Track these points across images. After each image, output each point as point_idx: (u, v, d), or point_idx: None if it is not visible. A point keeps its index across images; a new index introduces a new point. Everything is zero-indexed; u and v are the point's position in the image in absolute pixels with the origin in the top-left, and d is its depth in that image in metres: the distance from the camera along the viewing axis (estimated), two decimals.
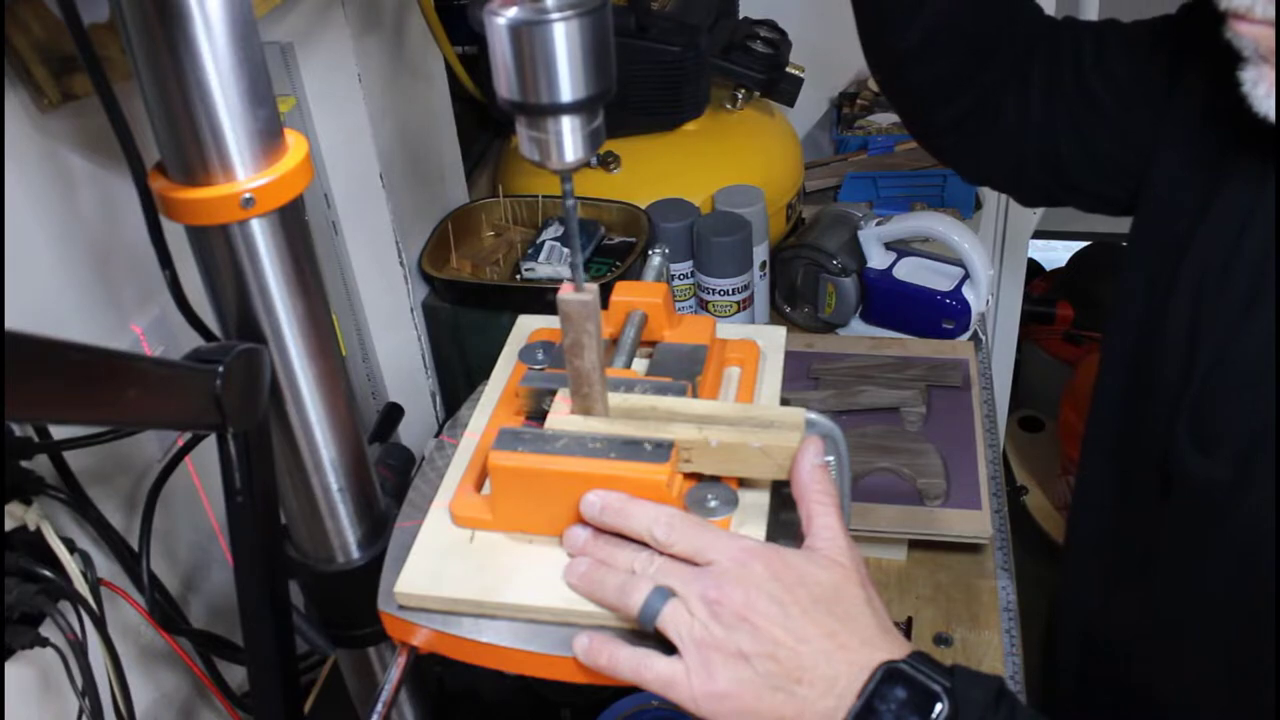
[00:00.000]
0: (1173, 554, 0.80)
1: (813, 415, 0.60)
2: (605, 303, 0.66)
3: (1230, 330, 0.70)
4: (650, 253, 0.76)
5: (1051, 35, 0.85)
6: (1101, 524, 0.90)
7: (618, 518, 0.57)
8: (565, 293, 0.56)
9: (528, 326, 0.75)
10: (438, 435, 0.70)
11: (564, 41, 0.48)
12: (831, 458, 0.61)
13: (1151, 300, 0.78)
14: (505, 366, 0.72)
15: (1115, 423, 0.86)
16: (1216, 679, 0.78)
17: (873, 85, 1.79)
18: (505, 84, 0.50)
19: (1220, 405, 0.71)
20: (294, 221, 0.57)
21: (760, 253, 1.35)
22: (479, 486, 0.64)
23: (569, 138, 0.51)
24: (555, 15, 0.47)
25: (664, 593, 0.55)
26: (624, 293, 0.69)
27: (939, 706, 0.52)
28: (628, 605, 0.55)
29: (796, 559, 0.56)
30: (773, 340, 0.73)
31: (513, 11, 0.47)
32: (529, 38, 0.48)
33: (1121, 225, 0.85)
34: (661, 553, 0.57)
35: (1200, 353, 0.72)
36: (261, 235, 0.56)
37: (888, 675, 0.53)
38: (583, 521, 0.59)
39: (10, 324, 0.42)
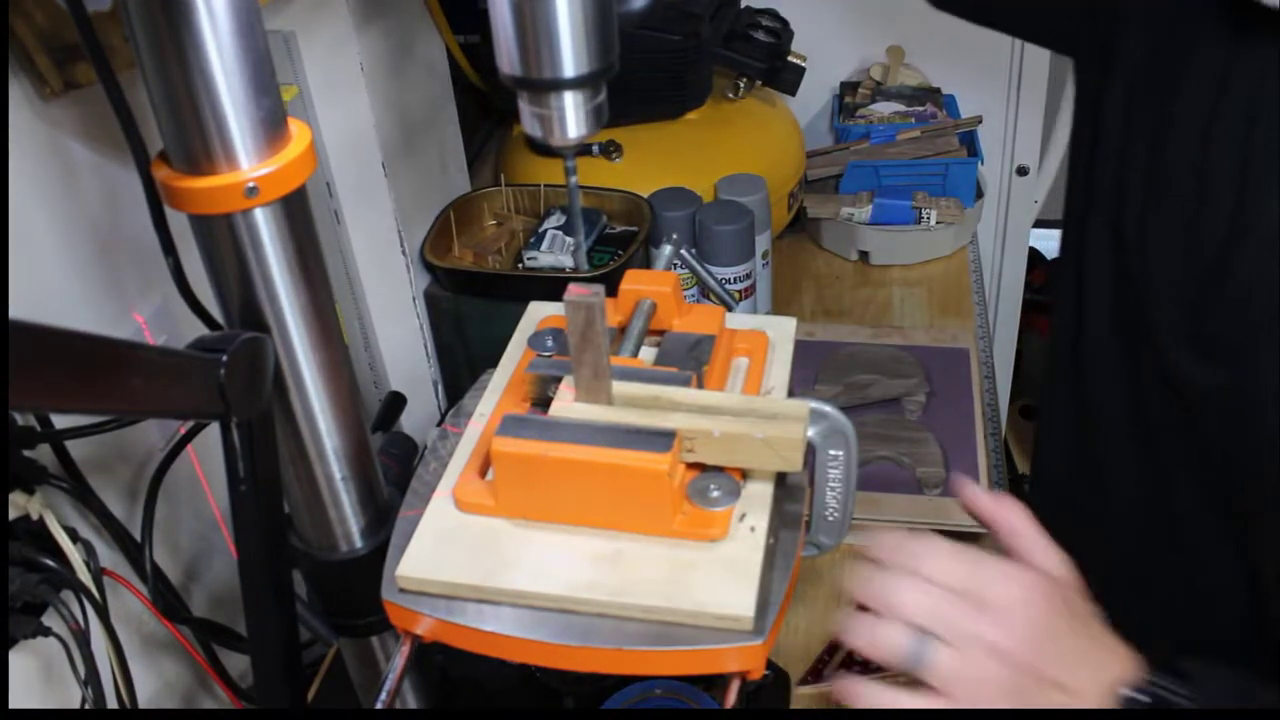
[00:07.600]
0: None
1: (824, 407, 0.60)
2: (614, 291, 0.66)
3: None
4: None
5: None
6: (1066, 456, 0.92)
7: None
8: (572, 293, 0.56)
9: (539, 313, 0.75)
10: (440, 424, 0.70)
11: (566, 16, 0.48)
12: (840, 451, 0.61)
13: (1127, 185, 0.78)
14: (515, 352, 0.72)
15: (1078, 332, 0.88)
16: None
17: (875, 75, 1.79)
18: (508, 59, 0.50)
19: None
20: (297, 210, 0.57)
21: (762, 241, 1.34)
22: (482, 472, 0.63)
23: (571, 114, 0.51)
24: None
25: (932, 640, 0.57)
26: (633, 281, 0.69)
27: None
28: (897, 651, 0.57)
29: (1062, 589, 0.59)
30: (782, 331, 0.73)
31: None
32: (531, 12, 0.47)
33: None
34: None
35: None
36: (265, 224, 0.56)
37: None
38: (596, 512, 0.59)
39: (13, 313, 0.42)
